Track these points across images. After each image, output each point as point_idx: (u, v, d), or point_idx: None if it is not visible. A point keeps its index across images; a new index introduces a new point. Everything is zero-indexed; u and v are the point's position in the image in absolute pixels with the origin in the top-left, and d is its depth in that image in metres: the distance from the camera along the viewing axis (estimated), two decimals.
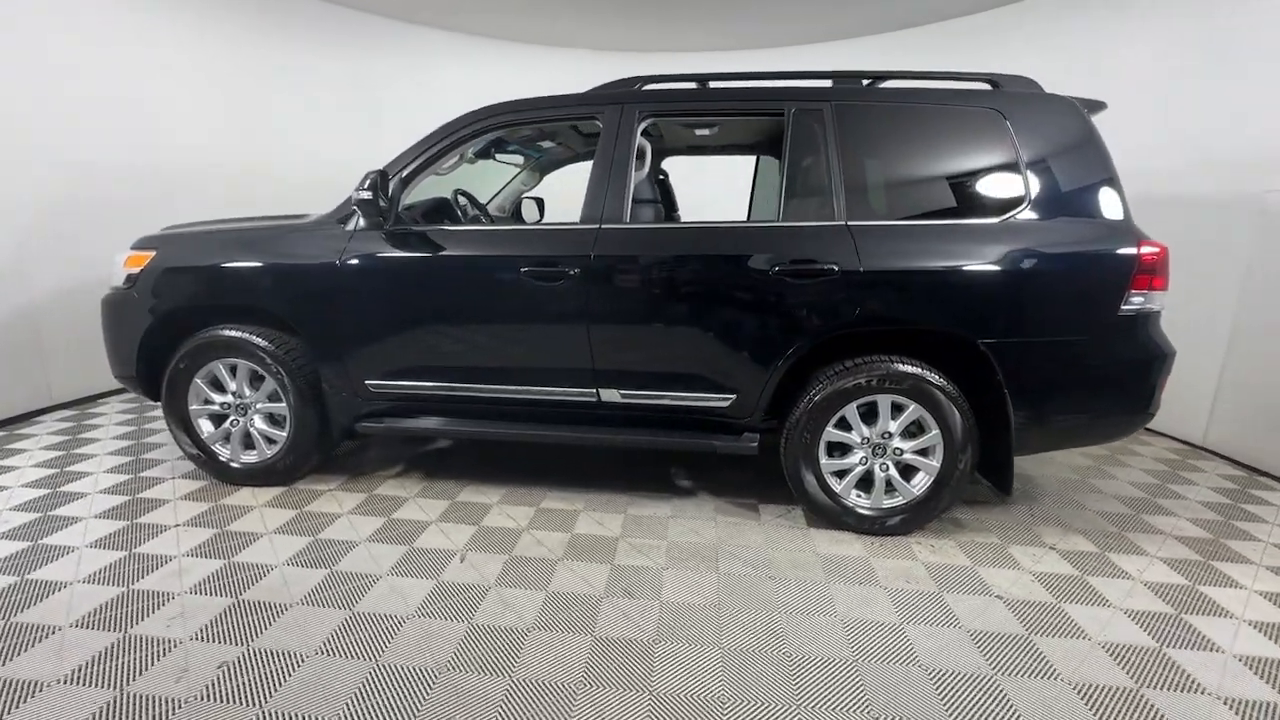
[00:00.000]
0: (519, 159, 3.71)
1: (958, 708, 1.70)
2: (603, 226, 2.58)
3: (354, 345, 2.75)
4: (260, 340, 2.77)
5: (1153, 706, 1.72)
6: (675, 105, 2.67)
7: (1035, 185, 2.44)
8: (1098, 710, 1.70)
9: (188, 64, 4.70)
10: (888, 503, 2.62)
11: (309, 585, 2.19)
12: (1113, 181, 2.44)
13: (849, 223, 2.48)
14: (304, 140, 5.43)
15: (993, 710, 1.69)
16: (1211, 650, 1.97)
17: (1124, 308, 2.37)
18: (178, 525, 2.59)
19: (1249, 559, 2.53)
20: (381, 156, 2.91)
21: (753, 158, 4.15)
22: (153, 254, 2.83)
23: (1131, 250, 2.36)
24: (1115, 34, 4.33)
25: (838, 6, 5.21)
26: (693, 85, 2.76)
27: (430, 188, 3.11)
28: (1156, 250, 2.37)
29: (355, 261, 2.68)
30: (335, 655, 1.84)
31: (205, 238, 2.89)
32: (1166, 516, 2.90)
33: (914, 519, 2.61)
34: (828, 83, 2.68)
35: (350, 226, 2.72)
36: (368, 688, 1.72)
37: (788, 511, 2.85)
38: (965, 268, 2.39)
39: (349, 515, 2.72)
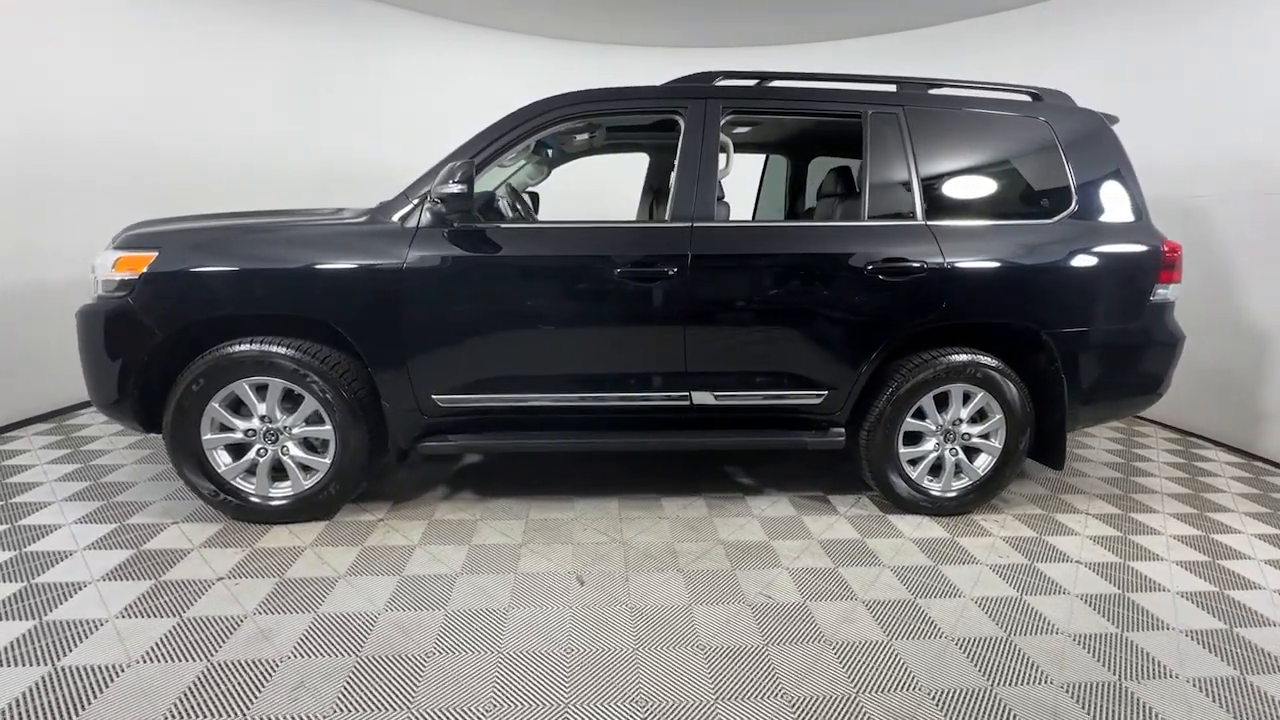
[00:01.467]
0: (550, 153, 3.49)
1: (1114, 659, 1.87)
2: (695, 225, 2.51)
3: (421, 357, 2.45)
4: (301, 355, 2.40)
5: (1245, 640, 2.01)
6: (757, 103, 2.64)
7: (1079, 189, 2.71)
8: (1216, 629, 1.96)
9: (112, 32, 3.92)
10: (956, 485, 2.81)
11: (433, 631, 1.94)
12: (1135, 186, 2.77)
13: (928, 223, 2.61)
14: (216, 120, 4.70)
15: (1139, 654, 1.89)
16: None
17: (1152, 298, 2.71)
18: (221, 578, 2.18)
19: (1229, 508, 3.02)
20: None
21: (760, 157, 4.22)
22: (154, 255, 2.34)
23: (1158, 247, 2.70)
24: (1053, 49, 4.88)
25: (836, 7, 5.33)
26: (770, 83, 2.74)
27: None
28: (1175, 248, 2.72)
29: (425, 263, 2.39)
30: (522, 704, 1.66)
31: (230, 236, 2.44)
32: (1150, 478, 3.37)
33: (980, 498, 2.82)
34: (892, 87, 2.79)
35: (412, 223, 2.42)
36: None
37: (857, 501, 2.96)
38: (1032, 265, 2.61)
39: (424, 546, 2.44)
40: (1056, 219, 2.68)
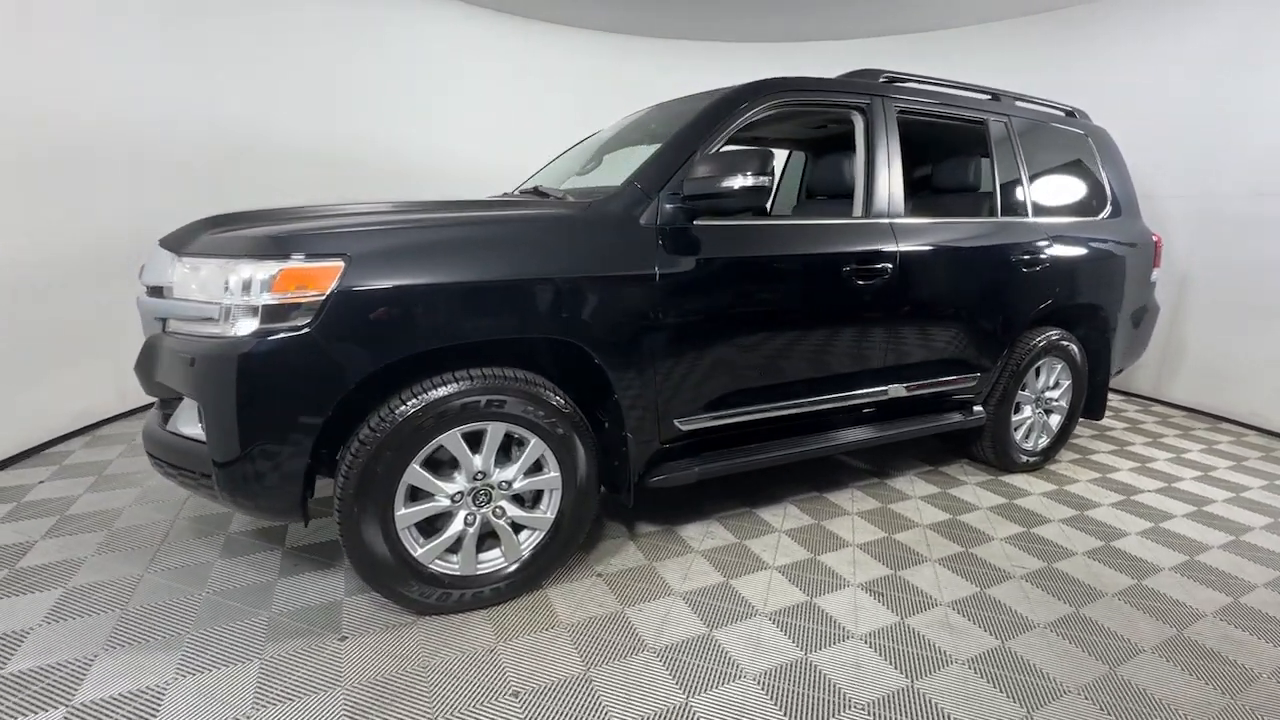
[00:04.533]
0: None
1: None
2: (894, 221, 2.54)
3: (672, 375, 2.09)
4: (536, 389, 1.88)
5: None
6: (920, 103, 2.72)
7: (1110, 192, 3.34)
8: None
9: None
10: (1041, 443, 3.30)
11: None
12: (1133, 189, 3.50)
13: (1036, 220, 3.00)
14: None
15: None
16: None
17: (1152, 279, 3.48)
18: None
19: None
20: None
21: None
22: (341, 265, 1.61)
23: (1155, 239, 3.47)
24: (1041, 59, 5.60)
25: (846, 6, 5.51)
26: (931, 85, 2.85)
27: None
28: (1160, 239, 3.53)
29: (677, 267, 2.03)
30: None
31: (434, 237, 1.76)
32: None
33: (1053, 451, 3.36)
34: (985, 96, 3.10)
35: (650, 221, 2.03)
36: None
37: (966, 469, 3.30)
38: (1098, 254, 3.17)
39: (639, 606, 2.11)
40: (1100, 217, 3.28)
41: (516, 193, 2.95)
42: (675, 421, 2.17)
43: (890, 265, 2.47)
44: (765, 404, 2.34)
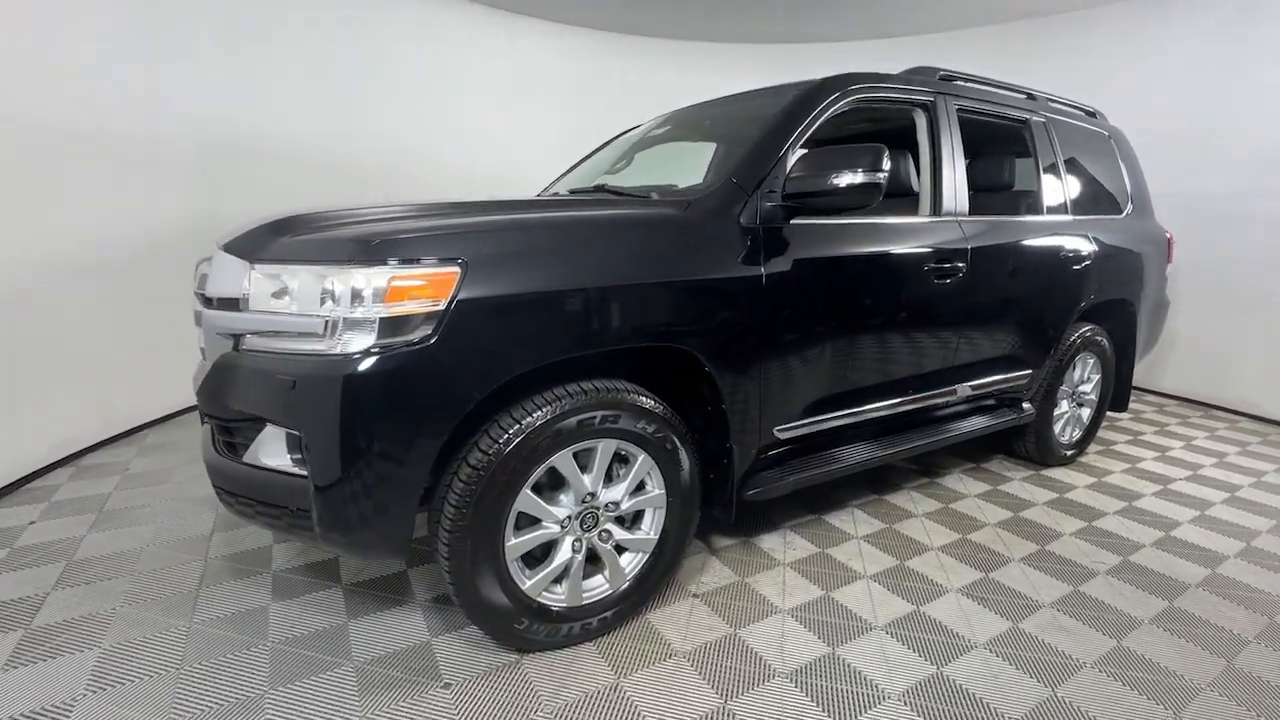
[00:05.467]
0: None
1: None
2: (961, 219, 2.52)
3: (776, 381, 1.99)
4: (647, 401, 1.75)
5: None
6: (975, 102, 2.71)
7: (1129, 191, 3.44)
8: None
9: None
10: (1074, 436, 3.37)
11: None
12: (1147, 188, 3.62)
13: (1076, 217, 3.05)
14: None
15: None
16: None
17: (1165, 274, 3.61)
18: None
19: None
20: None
21: None
22: (457, 271, 1.43)
23: (1168, 235, 3.60)
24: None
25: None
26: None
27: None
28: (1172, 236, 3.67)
29: (782, 267, 1.93)
30: None
31: (543, 239, 1.60)
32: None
33: (1085, 443, 3.44)
34: (1022, 96, 3.13)
35: (746, 221, 1.93)
36: None
37: (1005, 464, 3.33)
38: (1128, 251, 3.26)
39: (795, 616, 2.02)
40: (1124, 215, 3.37)
41: (566, 192, 2.79)
42: (775, 429, 2.07)
43: (963, 264, 2.45)
44: (855, 407, 2.28)
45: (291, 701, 1.58)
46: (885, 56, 6.38)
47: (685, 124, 2.86)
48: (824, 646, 1.85)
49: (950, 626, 1.96)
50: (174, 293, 3.23)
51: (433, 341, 1.40)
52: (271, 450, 1.50)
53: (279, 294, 1.46)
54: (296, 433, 1.41)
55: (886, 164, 1.84)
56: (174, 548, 2.29)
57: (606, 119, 6.28)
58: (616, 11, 5.68)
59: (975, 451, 3.46)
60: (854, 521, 2.64)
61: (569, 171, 3.27)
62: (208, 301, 1.62)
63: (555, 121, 5.88)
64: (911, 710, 1.62)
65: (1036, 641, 1.90)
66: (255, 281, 1.49)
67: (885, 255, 2.25)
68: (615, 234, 1.73)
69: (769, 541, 2.45)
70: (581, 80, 5.98)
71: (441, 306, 1.40)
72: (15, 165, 2.69)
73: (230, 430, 1.63)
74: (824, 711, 1.60)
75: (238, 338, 1.53)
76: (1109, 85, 4.96)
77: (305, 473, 1.42)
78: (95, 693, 1.59)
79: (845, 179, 1.84)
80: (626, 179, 3.05)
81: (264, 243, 1.56)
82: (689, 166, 2.72)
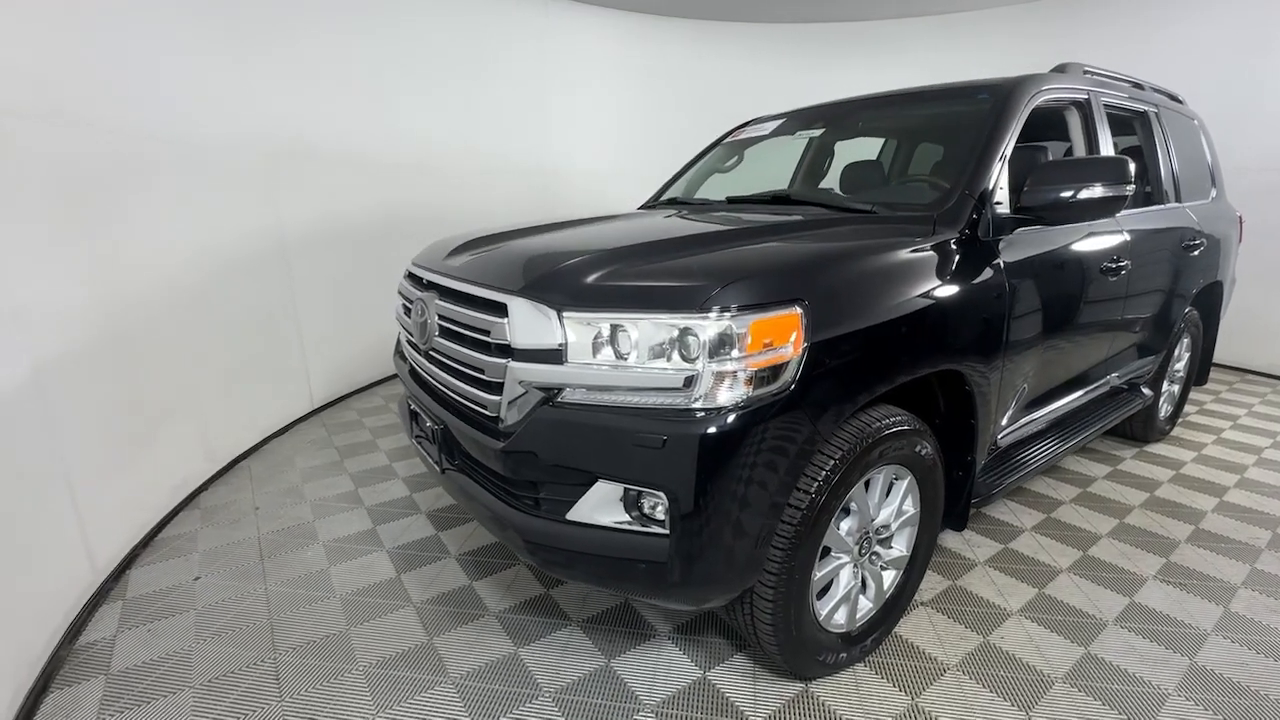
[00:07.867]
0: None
1: None
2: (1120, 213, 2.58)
3: (1005, 390, 2.02)
4: (922, 424, 1.75)
5: None
6: (1114, 97, 2.75)
7: (1211, 174, 3.58)
8: None
9: None
10: (1168, 412, 3.55)
11: None
12: (1220, 171, 3.78)
13: (1183, 205, 3.16)
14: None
15: None
16: None
17: (1236, 252, 3.79)
18: None
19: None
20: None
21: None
22: (798, 312, 1.37)
23: (1239, 215, 3.77)
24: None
25: None
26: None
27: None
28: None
29: (1017, 278, 1.95)
30: None
31: (847, 271, 1.55)
32: None
33: (1176, 418, 3.63)
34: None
35: (983, 232, 1.92)
36: None
37: (1106, 442, 3.48)
38: (1222, 234, 3.40)
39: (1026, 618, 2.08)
40: (1211, 198, 3.52)
41: (723, 199, 2.71)
42: (999, 436, 2.11)
43: (1127, 258, 2.51)
44: (1051, 405, 2.35)
45: None
46: (914, 36, 6.43)
47: (838, 122, 2.88)
48: (1077, 648, 1.92)
49: (1171, 615, 2.06)
50: (230, 313, 3.07)
51: (793, 389, 1.35)
52: (602, 506, 1.43)
53: (606, 344, 1.38)
54: (656, 492, 1.35)
55: (1133, 175, 1.85)
56: (371, 594, 2.18)
57: (630, 102, 6.12)
58: None
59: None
60: (1011, 512, 2.73)
61: (679, 176, 3.19)
62: (501, 350, 1.51)
63: (585, 107, 5.73)
64: (1196, 707, 1.70)
65: (1257, 625, 2.02)
66: (575, 331, 1.40)
67: (1082, 254, 2.29)
68: (906, 262, 1.70)
69: (946, 539, 2.51)
70: (610, 65, 5.81)
71: (796, 351, 1.36)
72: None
73: (524, 484, 1.54)
74: (1119, 714, 1.67)
75: (551, 391, 1.44)
76: (1138, 62, 5.12)
77: (660, 531, 1.36)
78: None
79: (1086, 192, 1.86)
80: (735, 178, 3.04)
81: (561, 284, 1.47)
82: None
